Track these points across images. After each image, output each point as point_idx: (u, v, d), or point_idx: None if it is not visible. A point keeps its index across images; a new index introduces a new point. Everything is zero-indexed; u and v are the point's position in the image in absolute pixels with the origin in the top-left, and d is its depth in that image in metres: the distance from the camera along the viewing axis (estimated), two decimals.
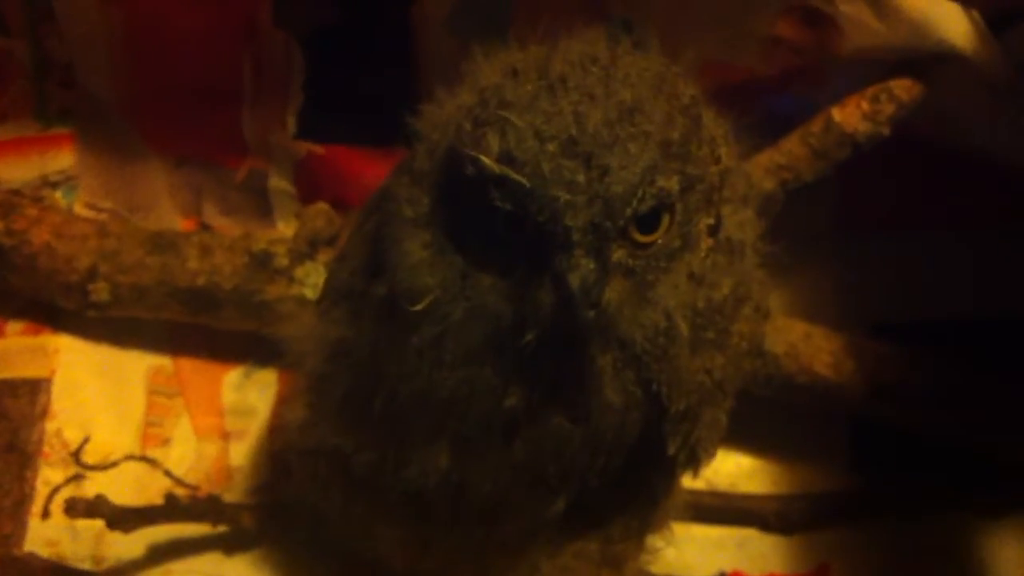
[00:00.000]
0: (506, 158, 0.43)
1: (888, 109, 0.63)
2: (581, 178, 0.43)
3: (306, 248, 0.72)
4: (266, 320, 0.71)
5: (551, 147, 0.43)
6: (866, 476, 0.73)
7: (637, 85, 0.45)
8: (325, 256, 0.72)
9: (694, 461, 0.52)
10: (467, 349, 0.47)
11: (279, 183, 0.77)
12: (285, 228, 0.77)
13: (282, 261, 0.71)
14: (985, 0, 0.63)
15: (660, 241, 0.45)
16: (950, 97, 0.64)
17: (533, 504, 0.51)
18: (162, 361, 0.75)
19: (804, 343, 0.69)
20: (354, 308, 0.52)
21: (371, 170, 0.75)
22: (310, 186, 0.76)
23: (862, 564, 0.71)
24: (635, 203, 0.43)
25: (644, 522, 0.57)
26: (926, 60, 0.62)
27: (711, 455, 0.53)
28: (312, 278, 0.71)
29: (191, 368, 0.75)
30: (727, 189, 0.48)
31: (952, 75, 0.63)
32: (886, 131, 0.63)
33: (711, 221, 0.47)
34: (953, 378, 0.70)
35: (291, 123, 0.74)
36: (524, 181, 0.43)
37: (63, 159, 0.77)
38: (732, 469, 0.73)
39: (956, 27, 0.61)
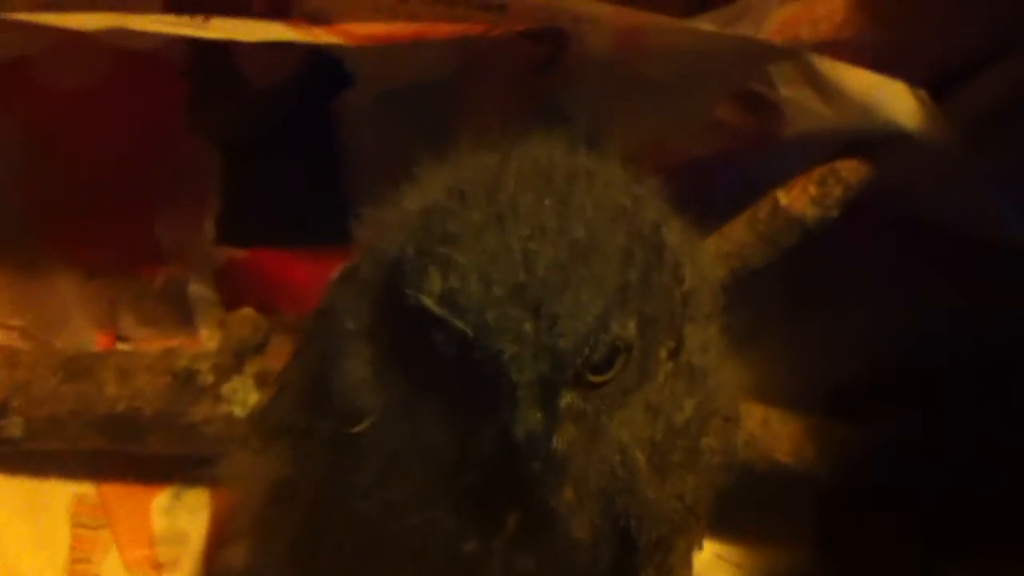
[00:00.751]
0: (448, 302, 0.40)
1: (836, 192, 0.61)
2: (528, 328, 0.39)
3: (232, 361, 0.68)
4: (193, 443, 0.67)
5: (497, 292, 0.40)
6: (835, 560, 0.71)
7: (593, 218, 0.41)
8: (253, 367, 0.68)
9: None
10: (416, 488, 0.44)
11: (200, 290, 0.72)
12: (208, 336, 0.73)
13: (207, 378, 0.66)
14: (927, 67, 0.61)
15: (614, 380, 0.42)
16: (896, 171, 0.62)
17: None
18: (85, 489, 0.70)
19: (762, 430, 0.66)
20: (296, 445, 0.48)
21: (297, 272, 0.71)
22: (233, 291, 0.72)
23: None
24: (586, 353, 0.40)
25: None
26: (874, 139, 0.60)
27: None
28: (240, 395, 0.67)
29: (116, 495, 0.70)
30: (691, 308, 0.45)
31: (899, 151, 0.60)
32: (835, 214, 0.61)
33: (672, 345, 0.44)
34: (918, 451, 0.67)
35: (209, 227, 0.70)
36: (468, 330, 0.40)
37: None
38: (703, 561, 0.70)
39: (903, 106, 0.58)
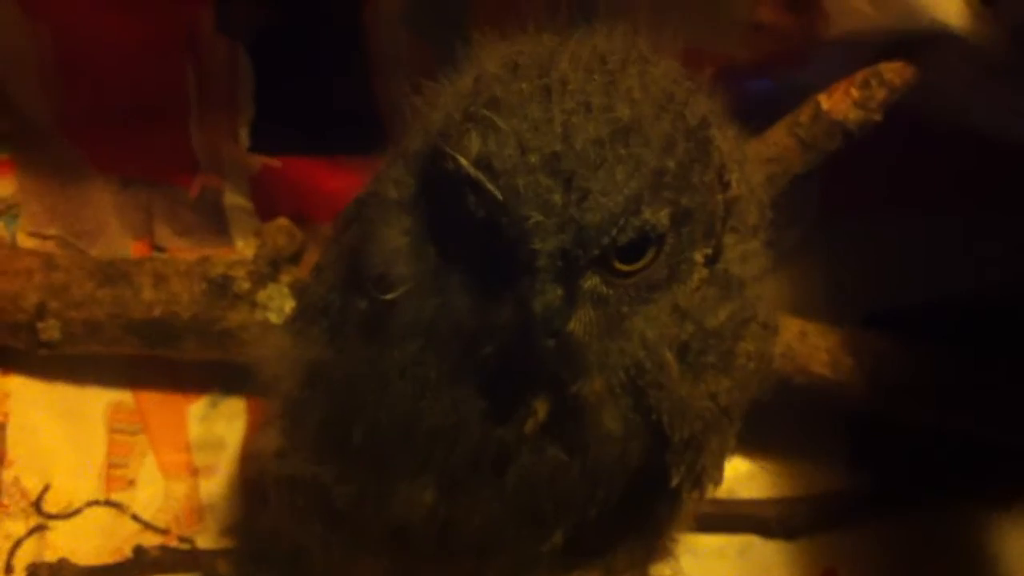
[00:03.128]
0: (484, 163, 0.40)
1: (879, 95, 0.59)
2: (557, 199, 0.39)
3: (267, 269, 0.67)
4: (229, 349, 0.67)
5: (531, 159, 0.39)
6: (868, 475, 0.70)
7: (640, 100, 0.41)
8: (288, 276, 0.68)
9: (699, 489, 0.49)
10: (447, 364, 0.44)
11: (235, 199, 0.72)
12: (244, 246, 0.73)
13: (243, 285, 0.66)
14: None
15: (643, 272, 0.42)
16: (941, 76, 0.60)
17: (527, 538, 0.48)
18: (122, 396, 0.71)
19: (799, 342, 0.65)
20: (332, 326, 0.48)
21: (331, 181, 0.71)
22: (268, 201, 0.72)
23: (870, 566, 0.68)
24: (614, 233, 0.40)
25: (648, 550, 0.54)
26: (916, 40, 0.59)
27: (717, 482, 0.50)
28: (276, 301, 0.67)
29: (153, 401, 0.71)
30: (734, 218, 0.44)
31: (944, 54, 0.59)
32: (878, 117, 0.60)
33: (708, 251, 0.44)
34: (953, 371, 0.66)
35: (243, 135, 0.70)
36: (497, 192, 0.39)
37: (3, 187, 0.72)
38: (729, 474, 0.67)
39: (948, 5, 0.57)
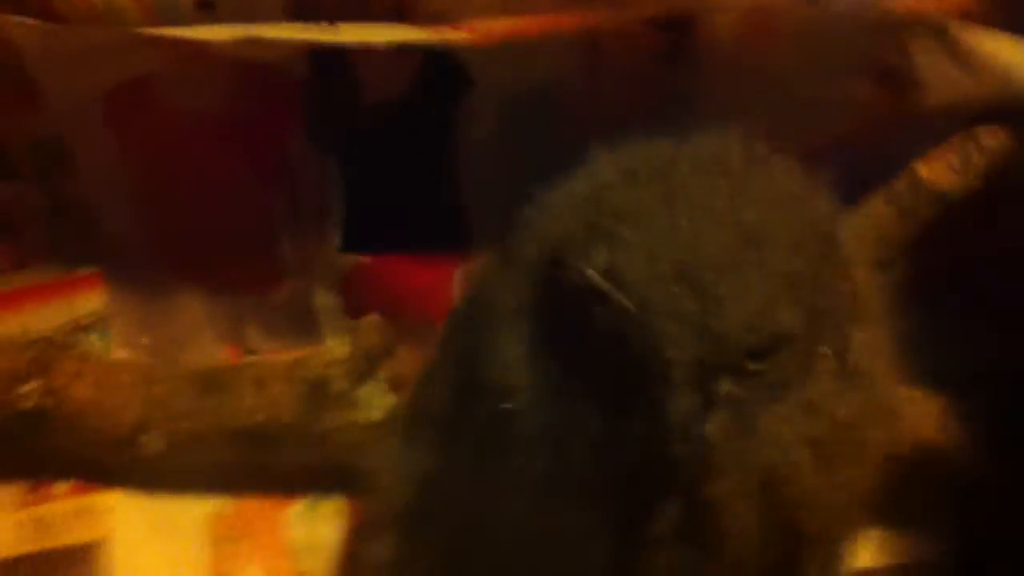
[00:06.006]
0: (612, 275, 0.40)
1: (977, 160, 0.60)
2: (691, 307, 0.39)
3: (364, 366, 0.68)
4: (329, 451, 0.67)
5: (662, 268, 0.39)
6: (973, 538, 0.69)
7: (766, 204, 0.41)
8: (385, 372, 0.68)
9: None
10: (571, 478, 0.43)
11: (325, 298, 0.72)
12: (335, 345, 0.73)
13: (341, 384, 0.66)
14: None
15: (773, 371, 0.41)
16: None
17: None
18: (221, 504, 0.70)
19: (907, 407, 0.65)
20: (444, 435, 0.48)
21: (420, 276, 0.71)
22: (357, 299, 0.72)
23: None
24: (749, 339, 0.39)
25: None
26: (1012, 106, 0.59)
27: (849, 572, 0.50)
28: (376, 399, 0.67)
29: (252, 508, 0.70)
30: (859, 308, 0.44)
31: None
32: (978, 184, 0.60)
33: (837, 344, 0.43)
34: None
35: (333, 237, 0.70)
36: (629, 305, 0.39)
37: (92, 301, 0.72)
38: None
39: None
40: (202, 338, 0.73)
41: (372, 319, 0.70)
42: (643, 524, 0.43)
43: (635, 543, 0.43)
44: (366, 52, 0.61)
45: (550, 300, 0.43)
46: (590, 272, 0.40)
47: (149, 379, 0.67)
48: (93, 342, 0.72)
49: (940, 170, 0.60)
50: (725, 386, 0.40)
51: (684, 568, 0.44)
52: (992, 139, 0.60)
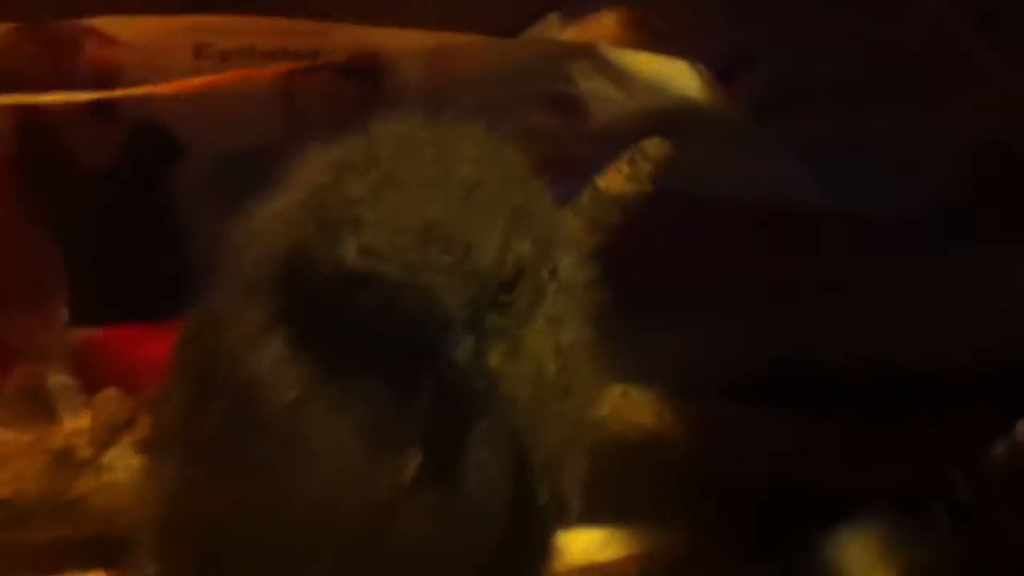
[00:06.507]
0: (369, 254, 0.43)
1: (645, 168, 0.68)
2: (447, 260, 0.43)
3: (107, 436, 0.69)
4: (80, 520, 0.67)
5: (411, 237, 0.44)
6: (702, 530, 0.74)
7: (470, 159, 0.46)
8: (128, 438, 0.69)
9: (564, 510, 0.52)
10: (335, 439, 0.46)
11: (59, 379, 0.72)
12: (73, 424, 0.73)
13: (85, 452, 0.67)
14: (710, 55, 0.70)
15: (519, 298, 0.46)
16: (695, 148, 0.70)
17: None
18: None
19: (622, 401, 0.71)
20: (189, 444, 0.50)
21: (152, 346, 0.72)
22: (93, 374, 0.72)
23: None
24: (499, 273, 0.45)
25: None
26: (668, 117, 0.68)
27: (577, 505, 0.53)
28: (123, 460, 0.68)
29: None
30: (559, 233, 0.50)
31: (694, 127, 0.69)
32: (648, 188, 0.68)
33: (552, 266, 0.49)
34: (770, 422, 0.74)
35: (61, 313, 0.71)
36: (394, 274, 0.43)
37: None
38: (585, 545, 0.74)
39: (687, 81, 0.67)
40: None
41: (110, 392, 0.71)
42: (383, 477, 0.46)
43: (378, 497, 0.46)
44: (72, 124, 0.64)
45: (300, 305, 0.46)
46: (348, 258, 0.43)
47: None
48: None
49: (615, 179, 0.68)
50: (492, 320, 0.45)
51: (430, 513, 0.47)
52: (655, 148, 0.69)
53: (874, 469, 0.72)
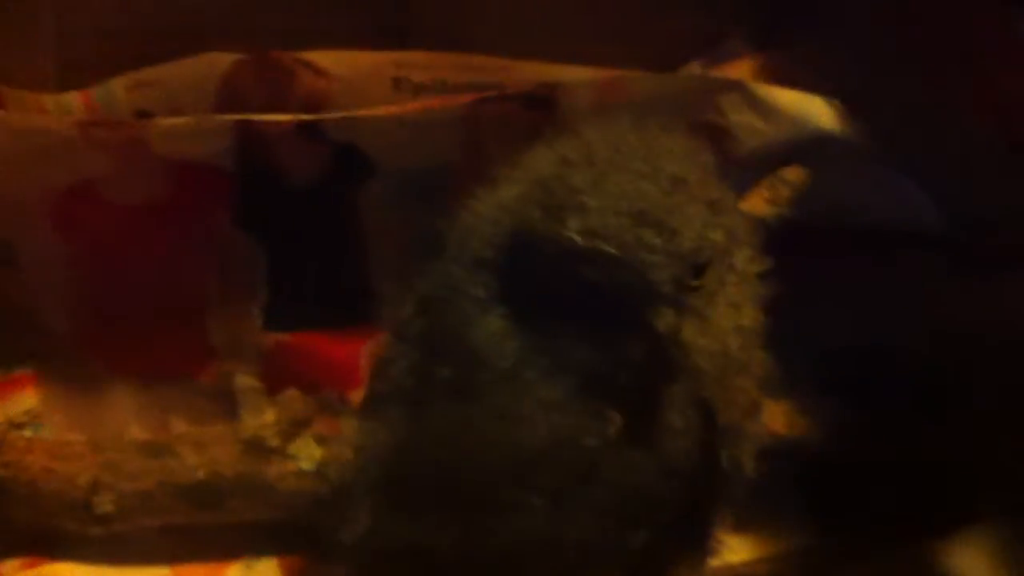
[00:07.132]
0: (592, 235, 0.50)
1: (784, 192, 0.75)
2: (657, 241, 0.50)
3: (291, 429, 0.76)
4: (269, 503, 0.74)
5: (627, 220, 0.50)
6: (826, 531, 0.79)
7: (674, 155, 0.53)
8: (310, 431, 0.76)
9: (741, 474, 0.58)
10: (549, 399, 0.52)
11: (245, 380, 0.80)
12: (252, 423, 0.80)
13: (274, 441, 0.74)
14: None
15: (708, 283, 0.53)
16: (830, 176, 0.77)
17: (616, 541, 0.55)
18: (160, 571, 0.75)
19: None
20: (412, 408, 0.56)
21: (334, 353, 0.79)
22: (277, 377, 0.80)
23: None
24: (699, 257, 0.51)
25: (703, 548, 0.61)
26: (806, 147, 0.76)
27: (751, 472, 0.59)
28: (306, 451, 0.74)
29: (190, 573, 0.75)
30: (739, 230, 0.57)
31: (829, 156, 0.76)
32: (787, 212, 0.75)
33: (732, 260, 0.55)
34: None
35: (258, 316, 0.79)
36: (613, 251, 0.50)
37: (27, 400, 0.78)
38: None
39: (823, 114, 0.74)
40: (130, 432, 0.79)
41: (292, 393, 0.79)
42: (593, 429, 0.52)
43: (587, 446, 0.52)
44: (283, 142, 0.73)
45: (522, 278, 0.53)
46: (573, 237, 0.50)
47: (97, 448, 0.73)
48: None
49: (758, 204, 0.76)
50: (688, 298, 0.52)
51: (630, 467, 0.53)
52: (793, 175, 0.76)
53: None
